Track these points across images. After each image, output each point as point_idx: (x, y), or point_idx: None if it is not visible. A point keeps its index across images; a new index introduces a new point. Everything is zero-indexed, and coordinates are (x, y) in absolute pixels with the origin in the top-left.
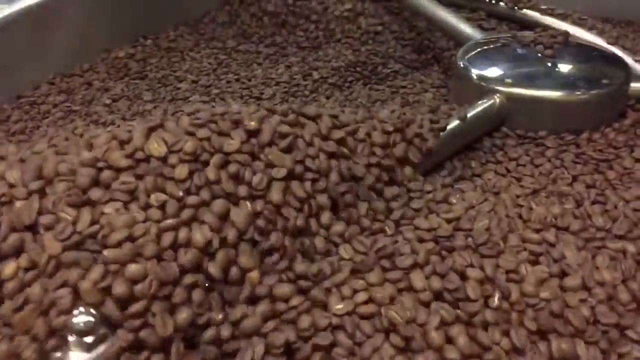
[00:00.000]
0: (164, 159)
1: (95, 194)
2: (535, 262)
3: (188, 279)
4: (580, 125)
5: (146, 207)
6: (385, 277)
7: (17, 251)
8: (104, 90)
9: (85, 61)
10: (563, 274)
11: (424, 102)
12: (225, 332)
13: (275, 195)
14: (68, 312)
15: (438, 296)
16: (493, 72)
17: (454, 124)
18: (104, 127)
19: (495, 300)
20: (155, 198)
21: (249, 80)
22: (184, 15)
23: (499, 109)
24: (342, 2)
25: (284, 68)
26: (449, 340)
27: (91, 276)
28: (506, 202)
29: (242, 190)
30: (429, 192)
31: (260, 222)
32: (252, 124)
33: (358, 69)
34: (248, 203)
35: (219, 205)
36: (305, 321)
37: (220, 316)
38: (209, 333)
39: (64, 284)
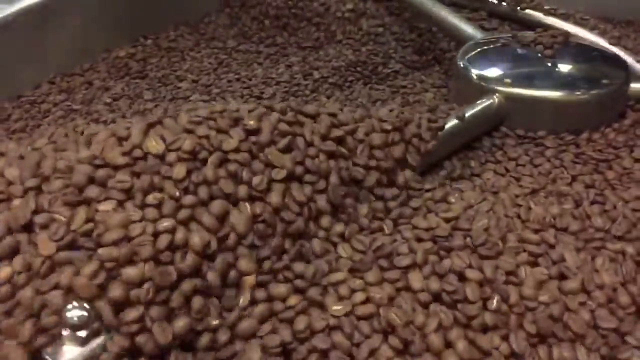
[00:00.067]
0: (161, 157)
1: (92, 192)
2: (534, 264)
3: (186, 285)
4: (579, 126)
5: (142, 206)
6: (383, 276)
7: (13, 253)
8: (104, 89)
9: (85, 61)
10: (562, 276)
11: (424, 101)
12: (223, 336)
13: (275, 197)
14: (59, 312)
15: (436, 297)
16: (493, 72)
17: (452, 123)
18: (104, 125)
19: (494, 303)
20: (152, 197)
21: (250, 79)
22: (184, 15)
23: (497, 109)
24: (344, 3)
25: (284, 68)
26: (448, 344)
27: (85, 271)
28: (505, 202)
29: (242, 191)
30: (427, 191)
31: (261, 227)
32: (252, 124)
33: (358, 68)
34: (247, 205)
35: (217, 206)
36: (301, 322)
37: (217, 321)
38: (205, 339)
39: (56, 286)
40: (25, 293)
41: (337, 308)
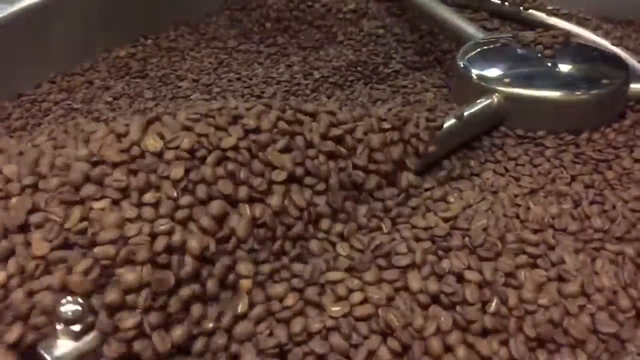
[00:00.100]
0: (159, 155)
1: (88, 190)
2: (533, 265)
3: (185, 291)
4: (579, 126)
5: (139, 205)
6: (381, 276)
7: (9, 256)
8: (104, 88)
9: (86, 60)
10: (562, 279)
11: (425, 101)
12: (220, 340)
13: (276, 200)
14: (49, 312)
15: (435, 299)
16: (493, 72)
17: (450, 122)
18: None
19: (493, 306)
20: (149, 196)
21: (250, 79)
22: (184, 15)
23: (497, 109)
24: (346, 3)
25: (284, 67)
26: (448, 348)
27: (79, 268)
28: (504, 202)
29: (241, 192)
30: (426, 190)
31: (261, 232)
32: (251, 123)
33: (359, 68)
34: (247, 207)
35: (216, 207)
36: (298, 324)
37: (211, 325)
38: (199, 344)
39: (49, 287)
40: (16, 295)
41: (335, 309)
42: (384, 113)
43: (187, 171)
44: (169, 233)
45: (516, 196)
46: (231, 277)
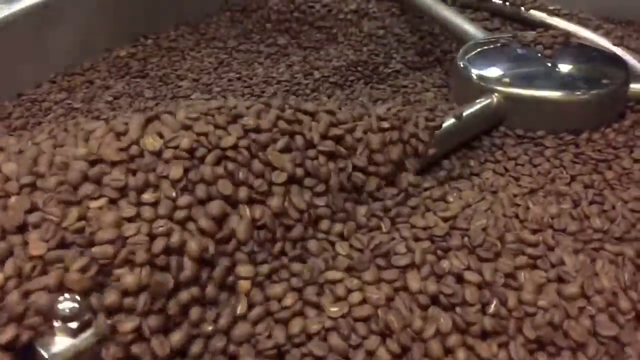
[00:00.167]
0: (158, 154)
1: (86, 190)
2: (533, 266)
3: (184, 295)
4: (579, 126)
5: (137, 204)
6: (380, 276)
7: (7, 257)
8: (105, 88)
9: (86, 60)
10: (561, 280)
11: (425, 101)
12: (219, 343)
13: (276, 202)
14: (43, 312)
15: (434, 300)
16: (492, 72)
17: (449, 122)
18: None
19: (492, 307)
20: (148, 196)
21: (251, 78)
22: (184, 15)
23: (496, 108)
24: (347, 3)
25: (285, 67)
26: (447, 350)
27: (76, 266)
28: (503, 201)
29: (241, 193)
30: (426, 190)
31: (262, 234)
32: (250, 122)
33: (359, 68)
34: (247, 209)
35: (215, 207)
36: (296, 325)
37: (210, 328)
38: (197, 346)
39: (45, 287)
40: (11, 297)
41: (334, 309)
42: (384, 112)
43: (186, 171)
44: (168, 234)
45: (515, 196)
46: (230, 278)
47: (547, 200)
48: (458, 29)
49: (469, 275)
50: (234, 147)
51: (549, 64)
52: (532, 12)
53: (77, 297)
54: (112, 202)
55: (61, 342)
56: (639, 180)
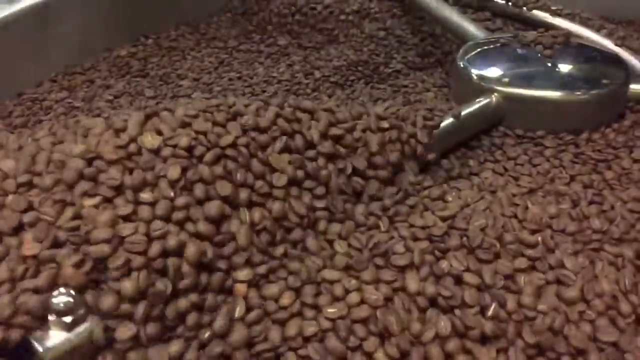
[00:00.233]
0: (156, 152)
1: (82, 189)
2: (532, 267)
3: (182, 302)
4: (579, 126)
5: (135, 203)
6: (379, 276)
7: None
8: (105, 87)
9: (87, 60)
10: (561, 282)
11: (425, 101)
12: (216, 348)
13: (276, 206)
14: (32, 312)
15: (433, 302)
16: (492, 72)
17: (448, 121)
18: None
19: (491, 310)
20: (145, 196)
21: (251, 78)
22: (184, 15)
23: (495, 108)
24: (349, 4)
25: (285, 67)
26: (447, 355)
27: (70, 261)
28: (502, 201)
29: (241, 195)
30: (425, 189)
31: (262, 238)
32: (249, 120)
33: (360, 68)
34: (247, 212)
35: (214, 208)
36: (293, 327)
37: (207, 334)
38: (191, 353)
39: (36, 288)
40: (1, 300)
41: (331, 310)
42: (382, 111)
43: (184, 170)
44: (165, 237)
45: (514, 196)
46: (229, 282)
47: (546, 200)
48: (459, 28)
49: (468, 277)
50: (233, 145)
51: (549, 64)
52: (534, 12)
53: (72, 292)
54: (108, 200)
55: (55, 336)
56: (639, 181)
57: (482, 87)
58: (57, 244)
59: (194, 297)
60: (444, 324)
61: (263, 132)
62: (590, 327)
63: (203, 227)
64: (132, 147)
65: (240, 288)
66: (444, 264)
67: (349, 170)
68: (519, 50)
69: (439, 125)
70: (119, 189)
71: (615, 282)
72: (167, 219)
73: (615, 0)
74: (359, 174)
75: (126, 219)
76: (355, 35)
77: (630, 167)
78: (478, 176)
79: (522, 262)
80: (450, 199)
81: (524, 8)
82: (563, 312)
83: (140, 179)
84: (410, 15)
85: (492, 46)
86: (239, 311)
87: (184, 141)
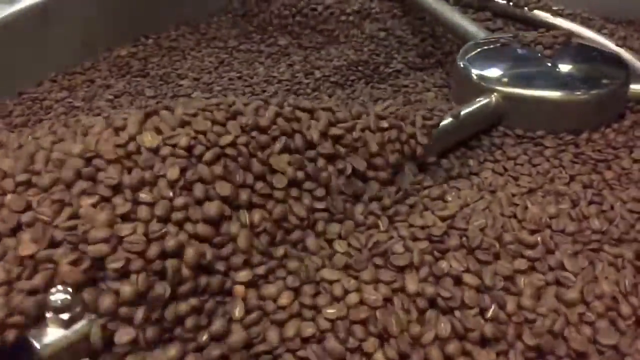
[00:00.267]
0: (155, 151)
1: (80, 188)
2: (531, 268)
3: (182, 307)
4: (579, 126)
5: (133, 203)
6: (378, 276)
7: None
8: (105, 87)
9: (87, 60)
10: (561, 284)
11: (426, 101)
12: (214, 351)
13: (277, 209)
14: (25, 313)
15: (432, 303)
16: (492, 71)
17: (447, 121)
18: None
19: (491, 312)
20: (144, 196)
21: (251, 77)
22: (184, 16)
23: (495, 108)
24: (350, 4)
25: (285, 66)
26: (447, 358)
27: (68, 258)
28: (501, 201)
29: (241, 197)
30: (424, 188)
31: (262, 240)
32: (249, 118)
33: (360, 68)
34: (247, 214)
35: (213, 209)
36: (291, 328)
37: (205, 337)
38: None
39: (33, 289)
40: None
41: (330, 311)
42: (382, 110)
43: (183, 170)
44: (164, 238)
45: (514, 195)
46: (228, 283)
47: (545, 200)
48: (460, 28)
49: (468, 278)
50: (233, 144)
51: (549, 64)
52: (536, 12)
53: (69, 289)
54: (106, 200)
55: (53, 333)
56: (638, 181)
57: (482, 87)
58: (54, 244)
59: (193, 301)
60: (443, 326)
61: (263, 132)
62: (590, 330)
63: (202, 228)
64: (132, 146)
65: (239, 289)
66: (443, 264)
67: (349, 171)
68: (519, 50)
69: (438, 125)
70: (117, 188)
71: (615, 283)
72: (166, 219)
73: (615, 0)
74: (358, 175)
75: (124, 218)
76: (356, 35)
77: (630, 167)
78: (478, 176)
79: (521, 263)
80: (449, 198)
81: (525, 8)
82: (563, 315)
83: (139, 178)
84: (410, 15)
85: (492, 46)
86: (237, 312)
87: (183, 141)
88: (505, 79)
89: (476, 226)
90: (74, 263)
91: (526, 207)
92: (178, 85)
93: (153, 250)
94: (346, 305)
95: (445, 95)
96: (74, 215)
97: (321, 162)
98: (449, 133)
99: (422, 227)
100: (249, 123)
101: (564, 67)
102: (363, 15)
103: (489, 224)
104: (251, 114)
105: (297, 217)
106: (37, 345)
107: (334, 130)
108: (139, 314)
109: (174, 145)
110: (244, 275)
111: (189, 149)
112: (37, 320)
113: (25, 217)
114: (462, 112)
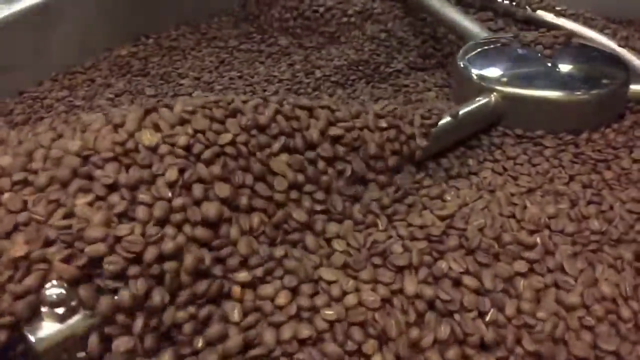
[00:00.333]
0: (154, 150)
1: (75, 187)
2: (530, 270)
3: (181, 314)
4: (579, 126)
5: (130, 203)
6: (377, 276)
7: None
8: (106, 86)
9: (87, 59)
10: (560, 286)
11: (426, 100)
12: (210, 356)
13: (277, 213)
14: (16, 314)
15: (431, 305)
16: (492, 71)
17: (445, 120)
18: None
19: (490, 315)
20: (142, 196)
21: (252, 77)
22: (185, 15)
23: (494, 107)
24: (352, 4)
25: (286, 66)
26: None
27: (62, 254)
28: (500, 201)
29: (241, 200)
30: (424, 187)
31: (262, 241)
32: (249, 117)
33: (361, 67)
34: (247, 218)
35: (212, 210)
36: (288, 330)
37: (201, 343)
38: None
39: (26, 289)
40: None
41: (328, 313)
42: (380, 109)
43: (182, 171)
44: (162, 240)
45: (513, 195)
46: (227, 286)
47: (544, 200)
48: (461, 28)
49: (467, 280)
50: (232, 143)
51: (549, 64)
52: (538, 12)
53: (65, 284)
54: (101, 198)
55: (48, 327)
56: (638, 181)
57: (482, 87)
58: (47, 243)
59: (192, 308)
60: (442, 329)
61: (262, 130)
62: (590, 335)
63: (201, 232)
64: (130, 144)
65: (237, 291)
66: (442, 265)
67: (349, 173)
68: (519, 50)
69: (436, 124)
70: (113, 187)
71: (615, 285)
72: (164, 220)
73: (615, 1)
74: (358, 177)
75: (121, 217)
76: (357, 37)
77: (629, 167)
78: (477, 175)
79: (520, 265)
80: (449, 198)
81: (528, 8)
82: (563, 319)
83: (136, 176)
84: (412, 16)
85: (492, 46)
86: (236, 315)
87: (182, 140)
88: (505, 79)
89: (475, 226)
90: (68, 260)
91: (525, 207)
92: (179, 84)
93: (151, 253)
94: (344, 307)
95: (446, 95)
96: (69, 214)
97: (321, 164)
98: (448, 132)
99: (421, 227)
100: (248, 122)
101: (564, 67)
102: (364, 16)
103: (487, 223)
104: (250, 111)
105: (297, 222)
106: (32, 339)
107: (334, 130)
108: (139, 323)
109: (173, 144)
110: (242, 276)
111: (187, 147)
112: (31, 320)
113: (21, 218)
114: (461, 112)
